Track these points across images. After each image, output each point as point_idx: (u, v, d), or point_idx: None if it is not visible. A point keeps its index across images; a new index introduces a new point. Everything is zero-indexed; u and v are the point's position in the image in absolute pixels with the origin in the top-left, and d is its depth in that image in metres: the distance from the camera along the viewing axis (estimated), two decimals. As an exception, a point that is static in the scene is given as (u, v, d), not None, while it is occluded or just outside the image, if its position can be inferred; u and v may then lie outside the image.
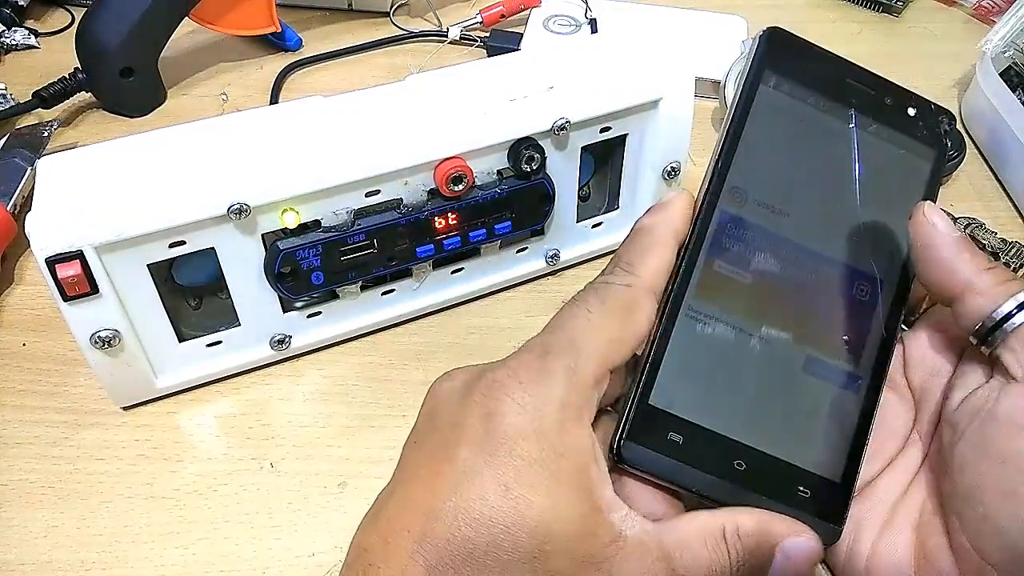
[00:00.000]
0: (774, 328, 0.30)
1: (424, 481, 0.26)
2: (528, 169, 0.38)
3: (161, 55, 0.54)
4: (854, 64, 0.32)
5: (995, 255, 0.45)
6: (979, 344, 0.27)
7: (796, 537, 0.27)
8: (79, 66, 0.52)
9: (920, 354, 0.31)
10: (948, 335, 0.30)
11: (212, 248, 0.35)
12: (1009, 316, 0.26)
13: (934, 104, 0.33)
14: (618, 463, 0.28)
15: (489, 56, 0.60)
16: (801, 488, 0.29)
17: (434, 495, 0.25)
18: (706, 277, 0.30)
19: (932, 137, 0.32)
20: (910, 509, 0.30)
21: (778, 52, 0.31)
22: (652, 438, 0.28)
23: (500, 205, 0.39)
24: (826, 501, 0.29)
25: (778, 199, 0.31)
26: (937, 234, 0.29)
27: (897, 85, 0.32)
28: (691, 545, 0.26)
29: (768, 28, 0.32)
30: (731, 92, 0.54)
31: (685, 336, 0.29)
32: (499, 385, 0.26)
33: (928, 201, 0.30)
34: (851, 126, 0.31)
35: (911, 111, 0.32)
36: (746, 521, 0.27)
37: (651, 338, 0.29)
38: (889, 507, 0.30)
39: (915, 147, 0.32)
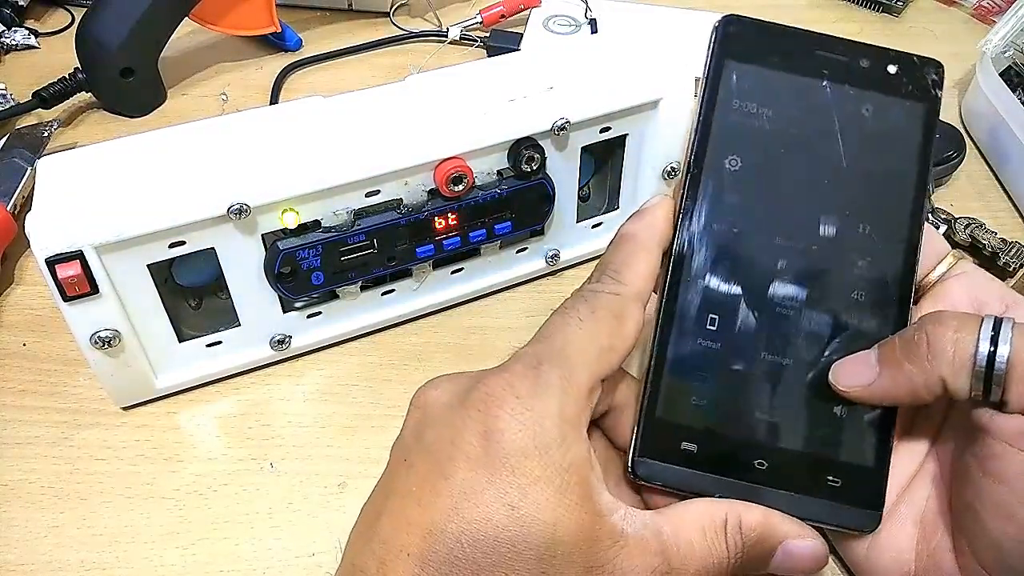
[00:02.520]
0: (776, 322, 0.29)
1: (419, 499, 0.25)
2: (528, 169, 0.38)
3: (161, 55, 0.54)
4: (821, 34, 0.31)
5: (995, 255, 0.45)
6: (986, 398, 0.26)
7: (801, 540, 0.27)
8: (79, 66, 0.52)
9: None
10: None
11: (212, 248, 0.35)
12: (991, 357, 0.25)
13: (917, 56, 0.31)
14: (635, 480, 0.28)
15: (489, 56, 0.60)
16: (831, 478, 0.28)
17: (432, 515, 0.25)
18: (697, 281, 0.29)
19: (920, 91, 0.31)
20: (915, 503, 0.29)
21: (737, 39, 0.30)
22: (665, 451, 0.28)
23: (500, 205, 0.39)
24: (860, 487, 0.28)
25: (763, 191, 0.30)
26: (866, 384, 0.28)
27: (872, 45, 0.31)
28: (688, 536, 0.26)
29: (724, 16, 0.30)
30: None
31: (685, 343, 0.29)
32: (494, 399, 0.26)
33: (832, 372, 0.29)
34: (827, 99, 0.30)
35: (892, 68, 0.31)
36: (751, 515, 0.27)
37: (651, 350, 0.29)
38: (893, 497, 0.30)
39: (903, 105, 0.31)
